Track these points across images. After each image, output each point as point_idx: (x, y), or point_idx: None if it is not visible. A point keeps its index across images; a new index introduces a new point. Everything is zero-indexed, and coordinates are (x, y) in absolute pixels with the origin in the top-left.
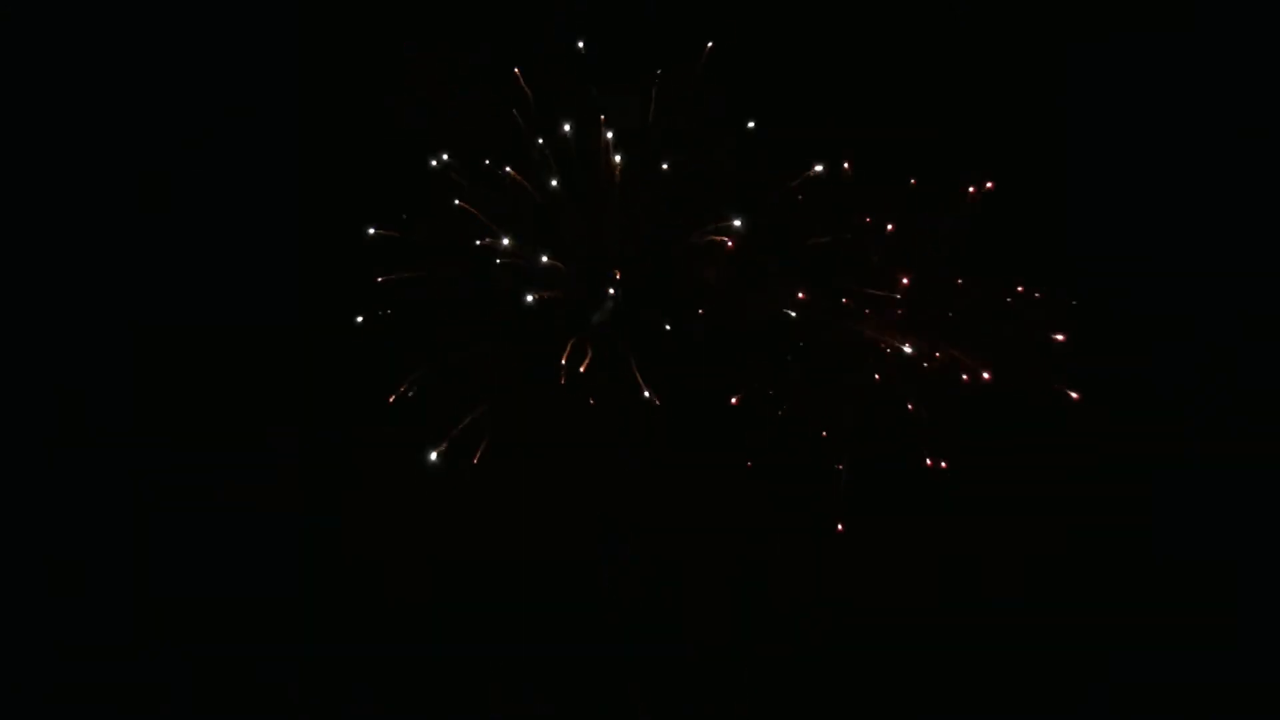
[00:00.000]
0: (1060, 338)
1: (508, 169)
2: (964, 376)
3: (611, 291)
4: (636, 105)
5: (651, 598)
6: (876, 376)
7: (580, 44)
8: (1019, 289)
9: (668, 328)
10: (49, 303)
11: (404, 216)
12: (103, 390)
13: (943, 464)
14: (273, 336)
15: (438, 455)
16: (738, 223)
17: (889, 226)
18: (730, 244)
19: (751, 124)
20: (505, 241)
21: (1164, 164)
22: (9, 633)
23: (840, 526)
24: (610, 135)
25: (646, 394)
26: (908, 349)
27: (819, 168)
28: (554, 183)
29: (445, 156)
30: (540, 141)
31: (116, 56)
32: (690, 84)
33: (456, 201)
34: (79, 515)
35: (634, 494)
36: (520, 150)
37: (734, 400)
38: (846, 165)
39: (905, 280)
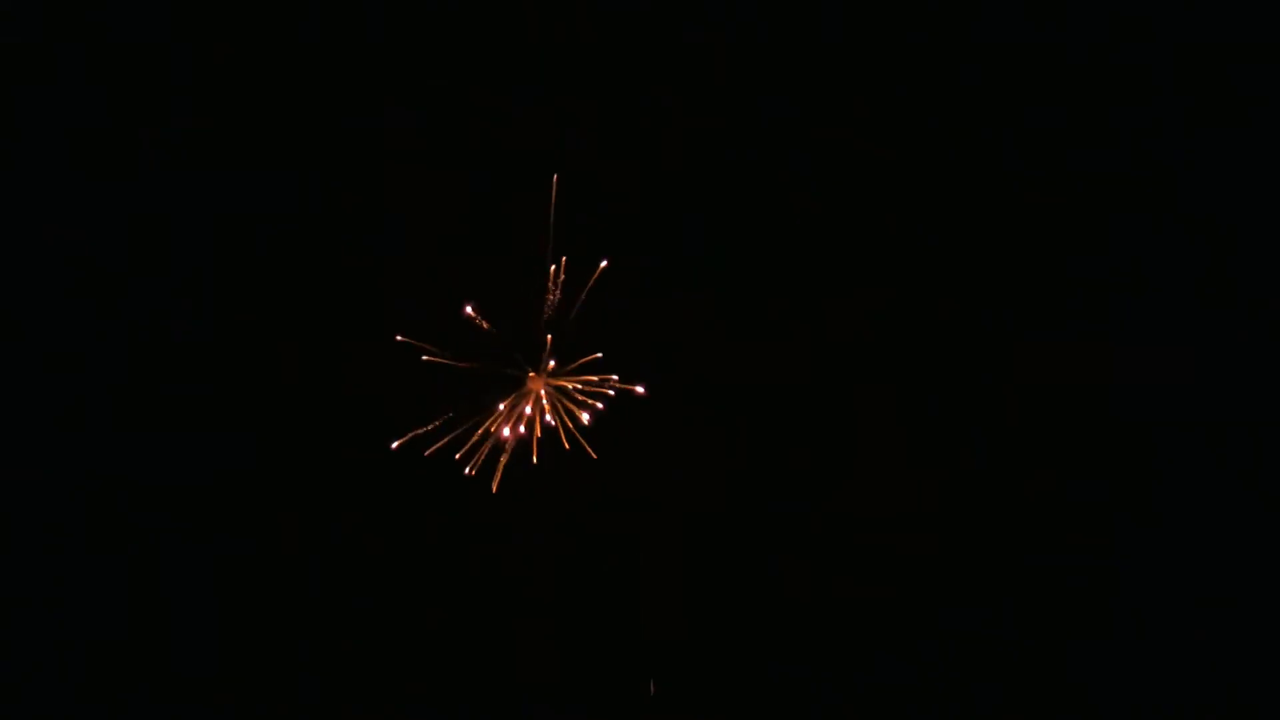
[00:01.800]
0: None
1: None
2: None
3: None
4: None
5: (652, 599)
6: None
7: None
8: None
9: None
10: (49, 302)
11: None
12: (102, 390)
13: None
14: (272, 337)
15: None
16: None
17: None
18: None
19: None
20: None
21: (1163, 162)
22: (9, 633)
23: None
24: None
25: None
26: None
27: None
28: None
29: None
30: None
31: (116, 55)
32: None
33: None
34: (79, 515)
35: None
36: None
37: None
38: None
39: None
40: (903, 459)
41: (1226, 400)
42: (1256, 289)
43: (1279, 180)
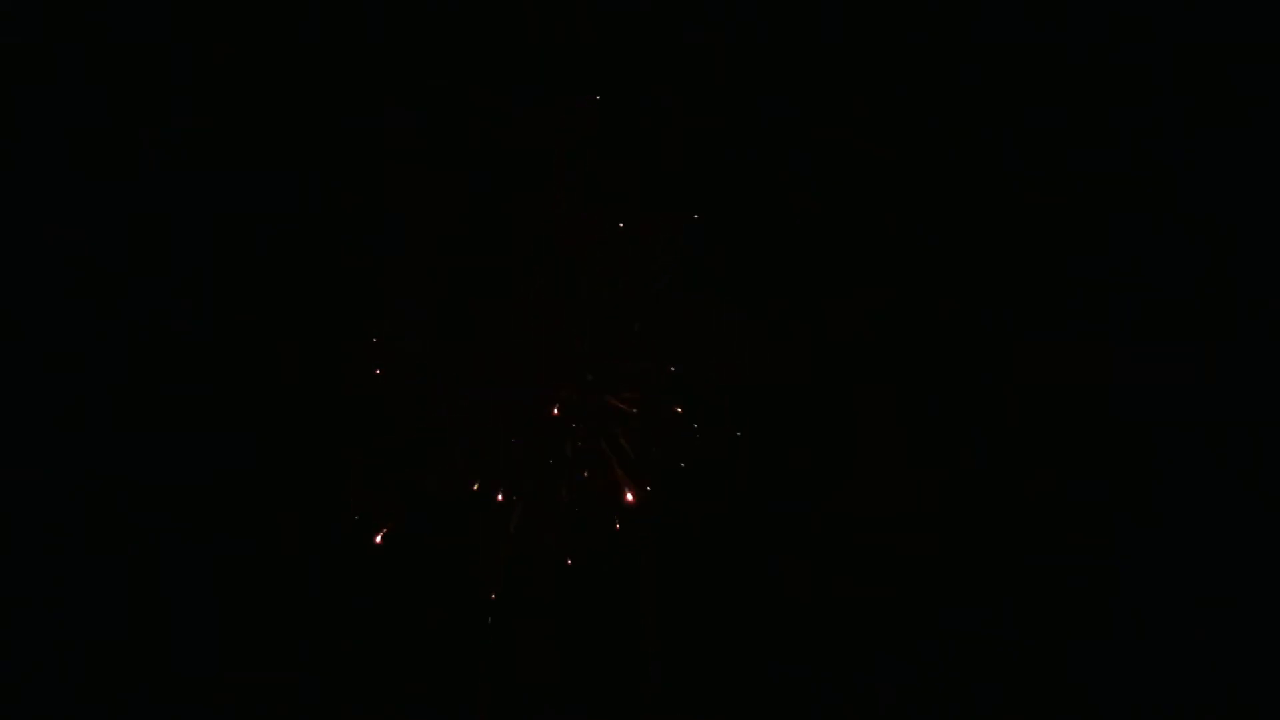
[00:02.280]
0: None
1: None
2: None
3: None
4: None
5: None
6: None
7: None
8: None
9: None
10: (49, 302)
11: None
12: (102, 390)
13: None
14: (272, 337)
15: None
16: None
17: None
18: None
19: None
20: None
21: (1163, 162)
22: (9, 633)
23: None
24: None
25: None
26: None
27: None
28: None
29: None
30: None
31: (116, 55)
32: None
33: None
34: (79, 515)
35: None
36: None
37: None
38: None
39: None
40: (903, 459)
41: (1226, 400)
42: (1256, 289)
43: (1279, 180)
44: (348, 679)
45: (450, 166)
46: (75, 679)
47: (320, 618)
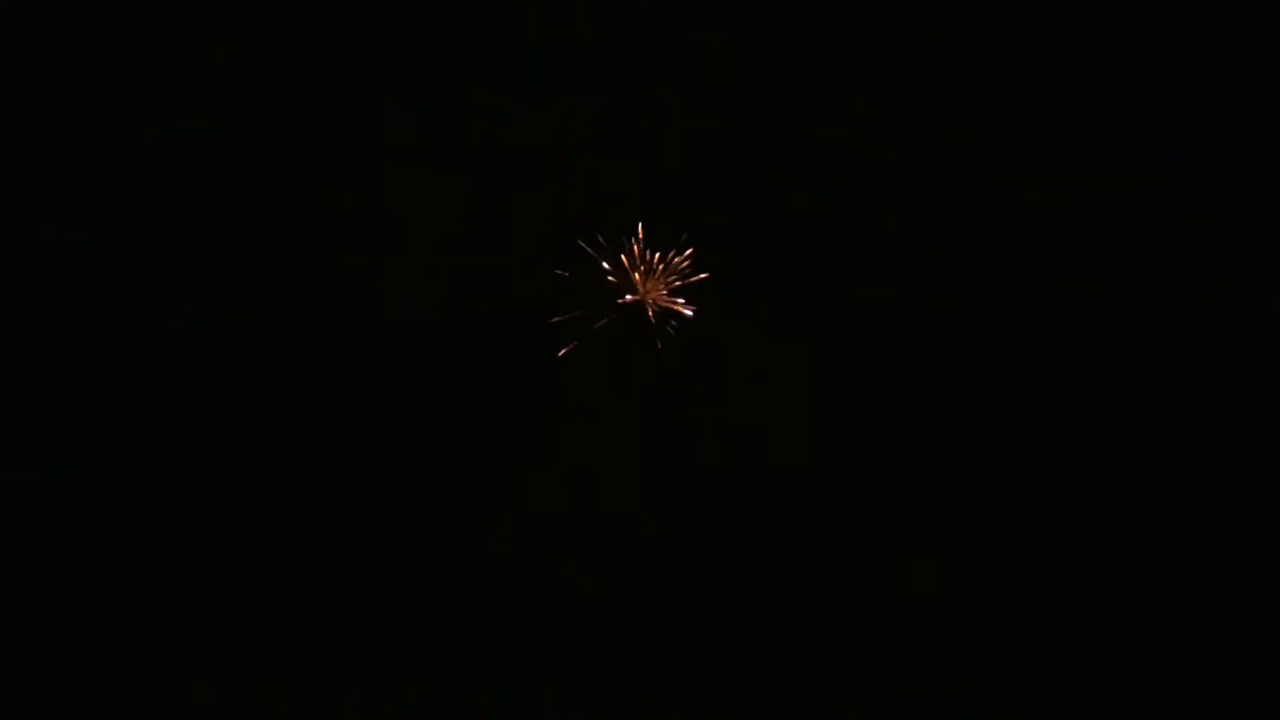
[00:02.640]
0: None
1: None
2: None
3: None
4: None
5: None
6: None
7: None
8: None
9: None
10: (49, 302)
11: None
12: (102, 390)
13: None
14: (272, 337)
15: None
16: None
17: None
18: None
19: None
20: None
21: (1163, 162)
22: (9, 633)
23: None
24: None
25: None
26: None
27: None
28: None
29: None
30: None
31: (116, 55)
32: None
33: None
34: (79, 515)
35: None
36: None
37: None
38: None
39: None
40: (903, 459)
41: (1226, 399)
42: (1256, 289)
43: (1279, 180)
44: (348, 679)
45: (450, 166)
46: (76, 679)
47: (322, 618)
